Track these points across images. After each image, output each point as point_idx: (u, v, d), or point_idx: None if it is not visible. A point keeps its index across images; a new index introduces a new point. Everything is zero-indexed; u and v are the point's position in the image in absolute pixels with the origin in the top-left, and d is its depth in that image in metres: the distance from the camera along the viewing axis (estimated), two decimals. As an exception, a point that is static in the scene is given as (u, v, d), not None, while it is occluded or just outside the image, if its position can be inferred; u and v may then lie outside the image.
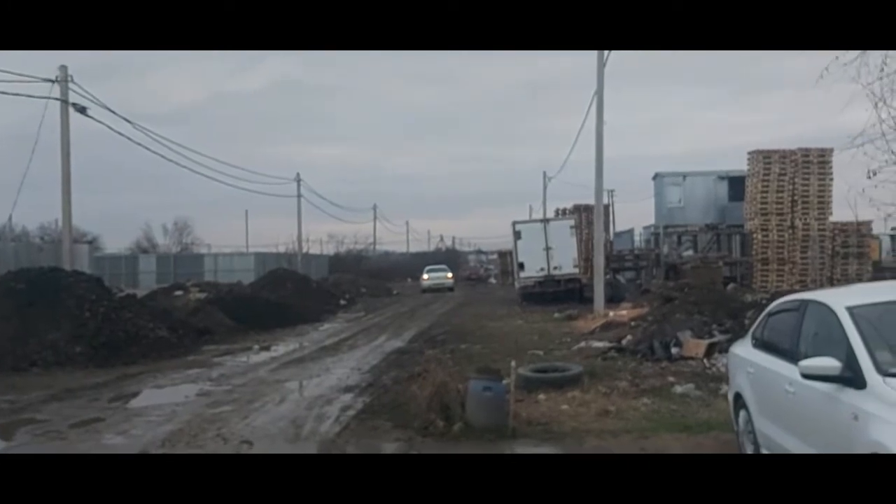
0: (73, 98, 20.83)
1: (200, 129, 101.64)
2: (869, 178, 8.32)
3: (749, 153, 27.56)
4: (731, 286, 23.06)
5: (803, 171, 26.40)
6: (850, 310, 5.40)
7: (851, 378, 4.97)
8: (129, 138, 22.74)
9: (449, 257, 64.29)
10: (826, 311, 5.67)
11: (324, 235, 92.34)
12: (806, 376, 5.26)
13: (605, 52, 21.63)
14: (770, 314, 6.97)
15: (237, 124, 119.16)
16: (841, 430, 4.99)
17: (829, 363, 5.10)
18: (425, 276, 47.08)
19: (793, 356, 5.75)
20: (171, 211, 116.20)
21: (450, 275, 48.17)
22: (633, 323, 16.93)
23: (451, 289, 44.46)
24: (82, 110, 20.94)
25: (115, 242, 64.96)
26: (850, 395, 4.95)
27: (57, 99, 20.57)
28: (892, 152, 8.18)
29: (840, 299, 5.70)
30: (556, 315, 23.09)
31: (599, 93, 22.40)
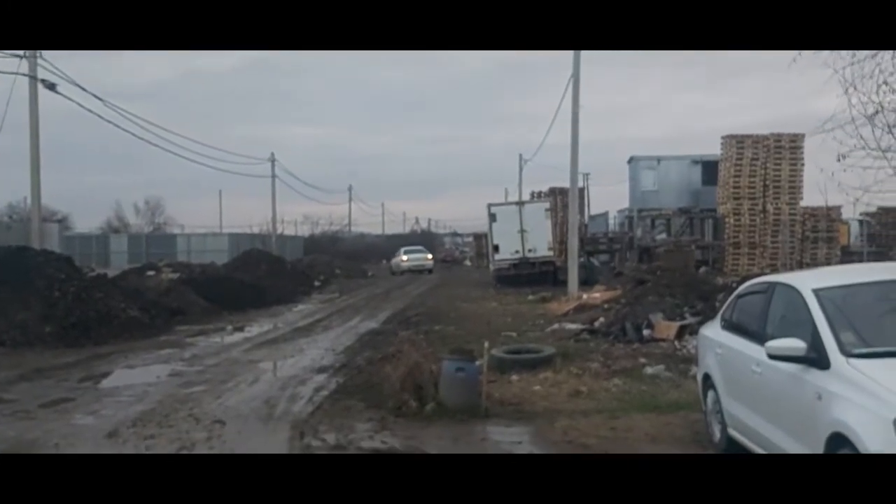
0: (41, 74, 20.45)
1: (173, 108, 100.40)
2: (838, 161, 8.45)
3: (723, 138, 27.83)
4: (702, 269, 23.35)
5: (775, 156, 26.73)
6: (817, 292, 5.50)
7: (816, 359, 5.07)
8: (99, 116, 22.43)
9: (424, 239, 64.16)
10: (793, 293, 5.77)
11: (299, 217, 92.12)
12: (772, 357, 5.36)
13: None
14: (739, 296, 7.07)
15: (210, 103, 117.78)
16: (805, 409, 5.10)
17: (795, 344, 5.20)
18: (404, 258, 46.03)
19: (760, 337, 5.86)
20: (143, 190, 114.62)
21: (429, 256, 47.71)
22: (605, 305, 17.05)
23: (430, 270, 44.16)
24: (51, 87, 20.55)
25: (86, 222, 64.29)
26: (814, 376, 5.06)
27: (25, 75, 20.16)
28: (861, 137, 8.31)
29: (807, 282, 5.80)
30: (531, 297, 23.21)
31: (575, 76, 22.41)
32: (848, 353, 4.92)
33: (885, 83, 8.51)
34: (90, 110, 21.94)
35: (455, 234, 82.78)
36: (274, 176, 48.16)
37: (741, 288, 7.29)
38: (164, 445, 7.69)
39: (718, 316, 7.47)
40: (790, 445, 5.37)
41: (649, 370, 10.73)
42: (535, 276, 28.30)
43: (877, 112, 8.08)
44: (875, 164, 8.39)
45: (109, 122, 23.23)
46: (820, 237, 26.95)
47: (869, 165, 8.38)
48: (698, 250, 28.21)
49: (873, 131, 8.31)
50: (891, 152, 8.26)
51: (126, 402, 9.83)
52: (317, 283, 33.26)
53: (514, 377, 10.49)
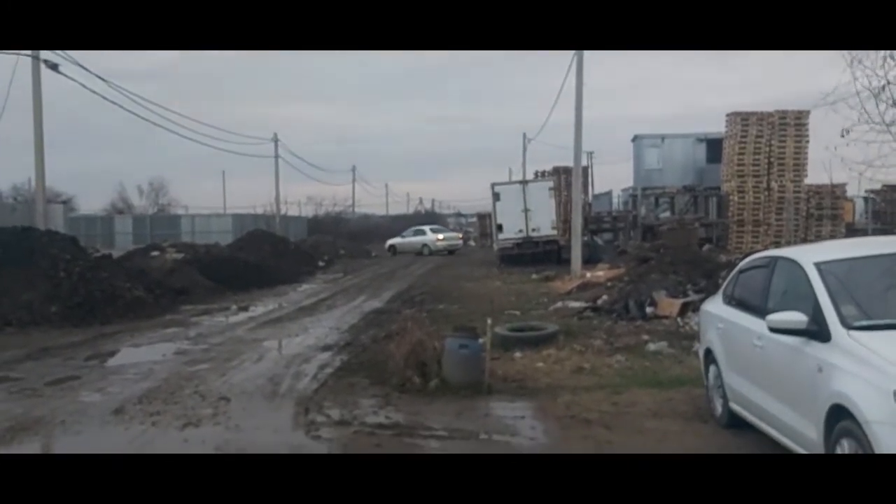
0: (44, 54, 20.37)
1: (175, 88, 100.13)
2: (842, 136, 8.40)
3: (727, 115, 27.69)
4: (706, 247, 23.31)
5: (780, 133, 26.59)
6: (818, 265, 5.51)
7: (817, 331, 5.09)
8: (102, 96, 22.39)
9: (429, 220, 64.04)
10: (795, 266, 5.77)
11: (302, 197, 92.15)
12: (773, 330, 5.38)
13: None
14: (741, 271, 7.07)
15: (213, 82, 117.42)
16: (806, 381, 5.12)
17: (796, 317, 5.22)
18: (440, 236, 43.07)
19: (761, 311, 5.86)
20: (147, 171, 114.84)
21: (461, 235, 46.22)
22: (609, 283, 17.06)
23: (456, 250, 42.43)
24: (54, 67, 20.49)
25: (91, 203, 64.39)
26: (815, 348, 5.07)
27: (28, 55, 20.12)
28: (866, 111, 8.26)
29: (808, 255, 5.80)
30: (534, 276, 23.23)
31: (579, 54, 22.28)
32: (849, 326, 4.93)
33: (892, 57, 8.45)
34: (93, 91, 21.91)
35: (459, 215, 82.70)
36: (277, 156, 48.05)
37: (743, 263, 7.29)
38: (169, 421, 7.77)
39: (720, 291, 7.48)
40: (791, 418, 5.40)
41: (652, 347, 10.76)
42: (539, 255, 28.31)
43: (884, 87, 8.03)
44: (879, 139, 8.36)
45: (113, 102, 23.27)
46: (824, 214, 26.86)
47: (873, 140, 8.35)
48: (702, 228, 28.15)
49: (878, 105, 8.27)
50: (894, 126, 8.21)
51: (132, 380, 9.90)
52: (321, 264, 33.30)
53: (518, 354, 10.54)
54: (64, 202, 42.95)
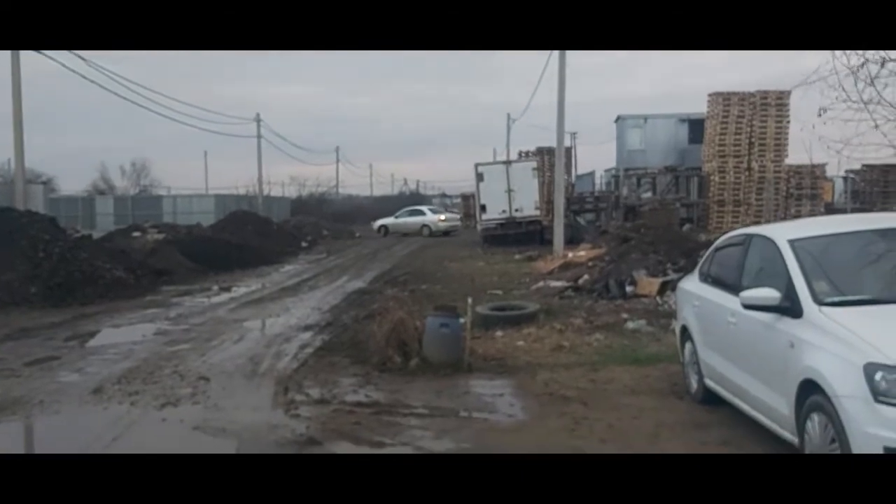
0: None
1: (157, 67, 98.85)
2: (819, 115, 8.45)
3: (709, 95, 27.79)
4: (686, 227, 23.46)
5: (761, 113, 26.72)
6: (792, 242, 5.57)
7: (789, 307, 5.15)
8: (82, 76, 22.14)
9: (413, 200, 63.86)
10: (769, 244, 5.83)
11: (286, 178, 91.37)
12: (746, 306, 5.44)
13: None
14: (717, 249, 7.13)
15: (195, 62, 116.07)
16: (778, 357, 5.19)
17: (769, 293, 5.27)
18: (441, 217, 41.23)
19: (736, 289, 5.92)
20: (129, 152, 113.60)
21: (459, 215, 44.67)
22: (590, 263, 17.16)
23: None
24: (31, 46, 20.18)
25: (72, 184, 63.70)
26: (787, 324, 5.14)
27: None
28: (844, 90, 8.31)
29: (783, 232, 5.86)
30: (517, 256, 23.30)
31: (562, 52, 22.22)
32: (820, 302, 4.99)
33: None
34: (73, 70, 21.65)
35: (444, 195, 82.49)
36: (259, 136, 47.74)
37: (719, 241, 7.35)
38: (148, 401, 7.75)
39: (696, 269, 7.54)
40: (763, 393, 5.48)
41: (631, 325, 10.85)
42: (522, 235, 28.35)
43: (862, 64, 8.07)
44: (856, 117, 8.40)
45: (93, 82, 23.05)
46: (804, 194, 27.07)
47: (850, 118, 8.40)
48: (683, 208, 28.32)
49: (856, 83, 8.31)
50: (872, 104, 8.27)
51: (111, 360, 9.86)
52: (304, 244, 33.20)
53: (499, 333, 10.59)
54: (44, 183, 42.50)
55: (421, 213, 42.37)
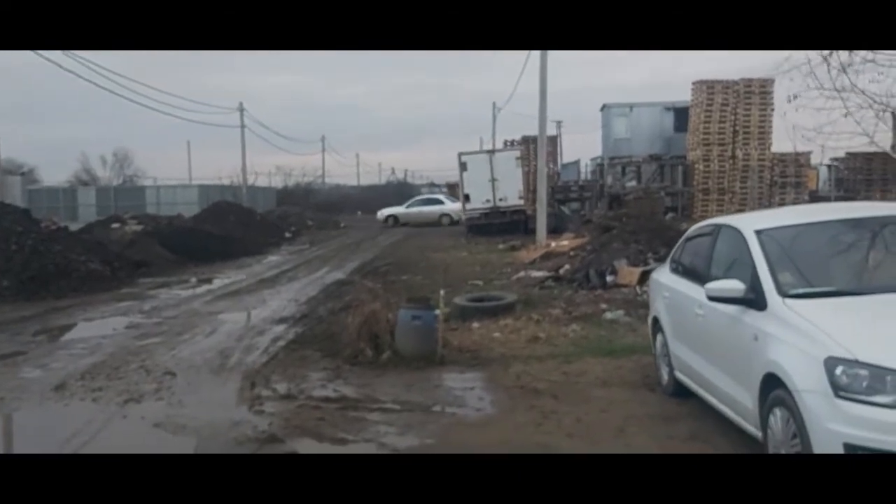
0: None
1: (139, 57, 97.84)
2: (789, 101, 8.37)
3: (693, 83, 27.67)
4: (669, 216, 23.39)
5: (745, 101, 26.63)
6: (758, 233, 5.45)
7: (753, 300, 5.03)
8: (59, 65, 21.82)
9: (401, 190, 63.58)
10: (736, 234, 5.71)
11: (271, 168, 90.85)
12: (711, 298, 5.32)
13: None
14: (687, 239, 7.01)
15: (178, 52, 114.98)
16: (743, 350, 5.08)
17: (734, 285, 5.16)
18: (467, 206, 37.47)
19: (704, 280, 5.78)
20: (113, 143, 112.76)
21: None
22: (572, 253, 17.05)
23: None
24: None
25: (55, 175, 63.12)
26: (752, 317, 5.02)
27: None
28: (816, 78, 8.21)
29: (750, 223, 5.74)
30: (501, 246, 23.18)
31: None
32: (785, 294, 4.88)
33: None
34: (49, 59, 21.34)
35: (432, 185, 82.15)
36: (243, 126, 47.38)
37: (690, 231, 7.23)
38: (110, 397, 7.60)
39: (668, 260, 7.42)
40: (729, 387, 5.37)
41: (609, 315, 10.75)
42: (507, 225, 28.23)
43: (831, 52, 7.96)
44: (828, 105, 8.31)
45: (70, 72, 22.77)
46: (788, 182, 27.04)
47: (822, 106, 8.31)
48: (668, 197, 28.24)
49: (829, 71, 8.21)
50: (845, 92, 8.18)
51: (78, 355, 9.68)
52: (287, 235, 32.97)
53: (476, 325, 10.47)
54: (23, 174, 42.08)
55: (439, 201, 39.79)
